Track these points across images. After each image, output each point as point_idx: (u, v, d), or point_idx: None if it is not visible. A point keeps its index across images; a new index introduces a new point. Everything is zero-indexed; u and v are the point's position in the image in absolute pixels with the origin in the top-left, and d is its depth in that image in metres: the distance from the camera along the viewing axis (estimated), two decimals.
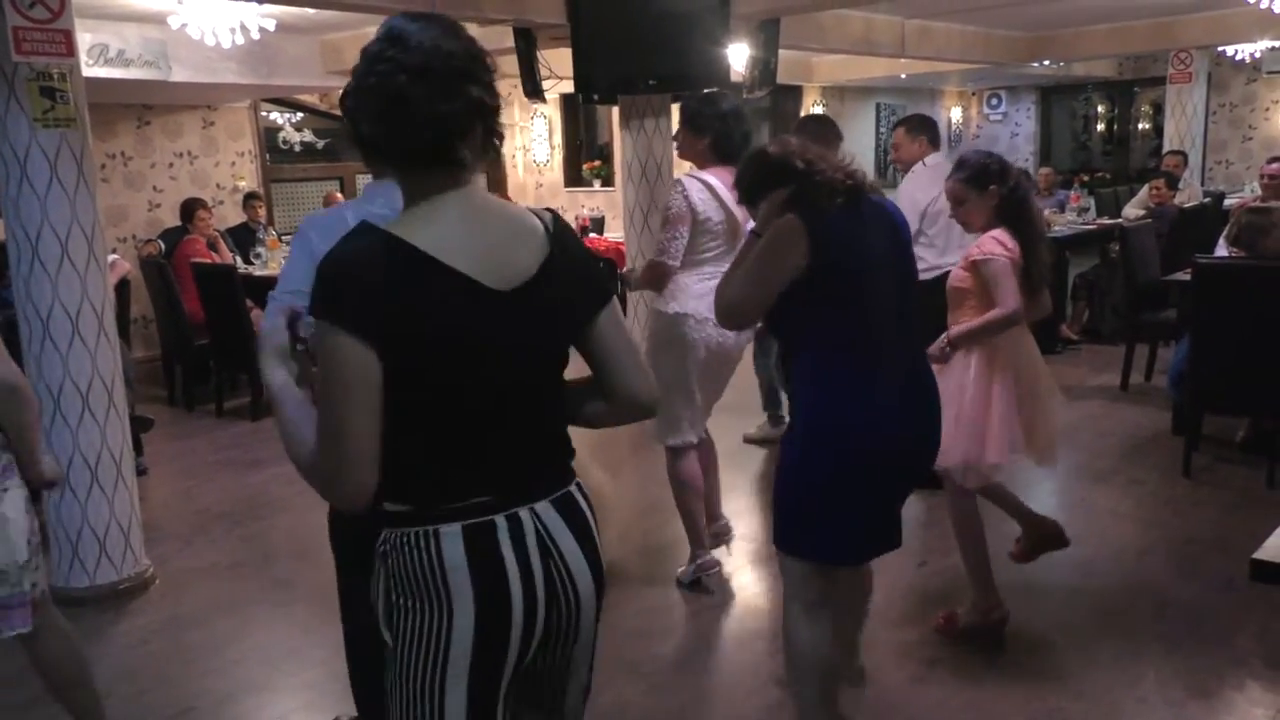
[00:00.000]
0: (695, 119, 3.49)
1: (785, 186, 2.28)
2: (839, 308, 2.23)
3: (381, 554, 1.48)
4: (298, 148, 9.95)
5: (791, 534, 2.34)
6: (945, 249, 4.32)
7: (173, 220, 7.81)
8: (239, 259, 7.53)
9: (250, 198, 8.28)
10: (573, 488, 1.56)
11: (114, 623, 3.61)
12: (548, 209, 1.59)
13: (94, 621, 3.58)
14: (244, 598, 3.78)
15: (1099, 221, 8.65)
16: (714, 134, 3.44)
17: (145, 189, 8.53)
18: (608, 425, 1.68)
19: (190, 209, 7.27)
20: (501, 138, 1.46)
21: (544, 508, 1.49)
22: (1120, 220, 7.92)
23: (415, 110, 1.35)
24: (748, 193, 2.45)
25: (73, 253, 3.62)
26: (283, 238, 8.06)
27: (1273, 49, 10.67)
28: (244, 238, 7.86)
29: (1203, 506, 4.28)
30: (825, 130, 4.13)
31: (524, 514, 1.47)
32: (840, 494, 2.25)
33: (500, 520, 1.44)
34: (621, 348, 1.56)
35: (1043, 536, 3.48)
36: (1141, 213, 7.85)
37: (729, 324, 2.54)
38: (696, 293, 3.36)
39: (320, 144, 10.12)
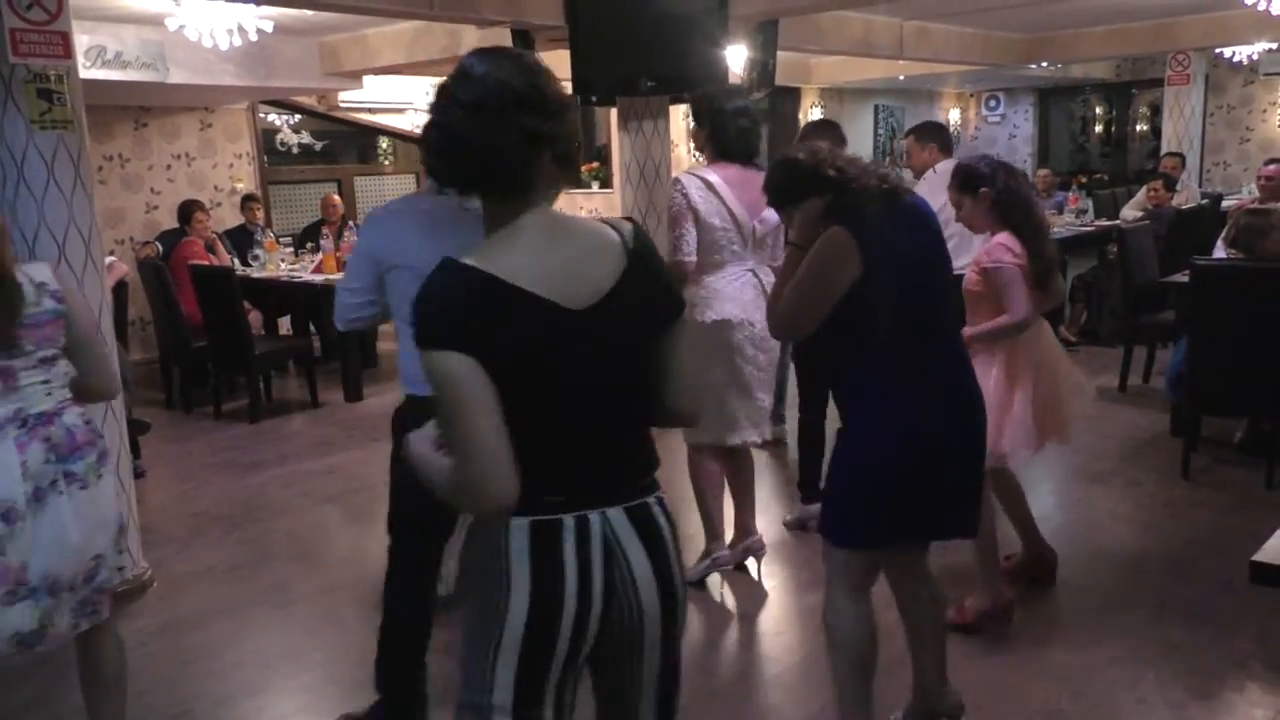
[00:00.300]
0: (695, 113, 3.59)
1: (819, 195, 2.31)
2: (887, 308, 2.26)
3: (469, 531, 1.60)
4: (296, 150, 9.96)
5: (835, 523, 2.41)
6: (959, 252, 4.35)
7: (170, 222, 7.80)
8: (237, 261, 7.53)
9: (248, 200, 8.27)
10: (651, 500, 1.60)
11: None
12: (628, 219, 1.64)
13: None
14: (242, 600, 3.77)
15: (1097, 223, 8.67)
16: (710, 129, 3.48)
17: (143, 191, 8.52)
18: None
19: (188, 211, 7.27)
20: (573, 162, 1.54)
21: (616, 514, 1.55)
22: (1118, 222, 7.93)
23: (469, 143, 1.47)
24: (777, 197, 2.48)
25: (70, 255, 3.61)
26: (280, 240, 8.06)
27: (1270, 51, 10.68)
28: (242, 240, 7.85)
29: (1201, 508, 4.28)
30: (830, 134, 4.15)
31: (594, 517, 1.53)
32: (886, 485, 2.30)
33: (568, 520, 1.51)
34: (679, 361, 1.62)
35: (1037, 562, 3.57)
36: (1139, 214, 7.86)
37: (783, 337, 2.58)
38: (728, 295, 3.42)
39: (318, 146, 10.12)
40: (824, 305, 2.28)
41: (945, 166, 4.58)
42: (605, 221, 1.59)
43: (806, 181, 2.34)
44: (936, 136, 4.79)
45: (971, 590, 3.25)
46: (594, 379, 1.51)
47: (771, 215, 3.50)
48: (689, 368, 1.65)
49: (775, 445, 5.11)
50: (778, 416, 5.34)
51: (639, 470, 1.61)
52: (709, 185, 3.38)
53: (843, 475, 2.39)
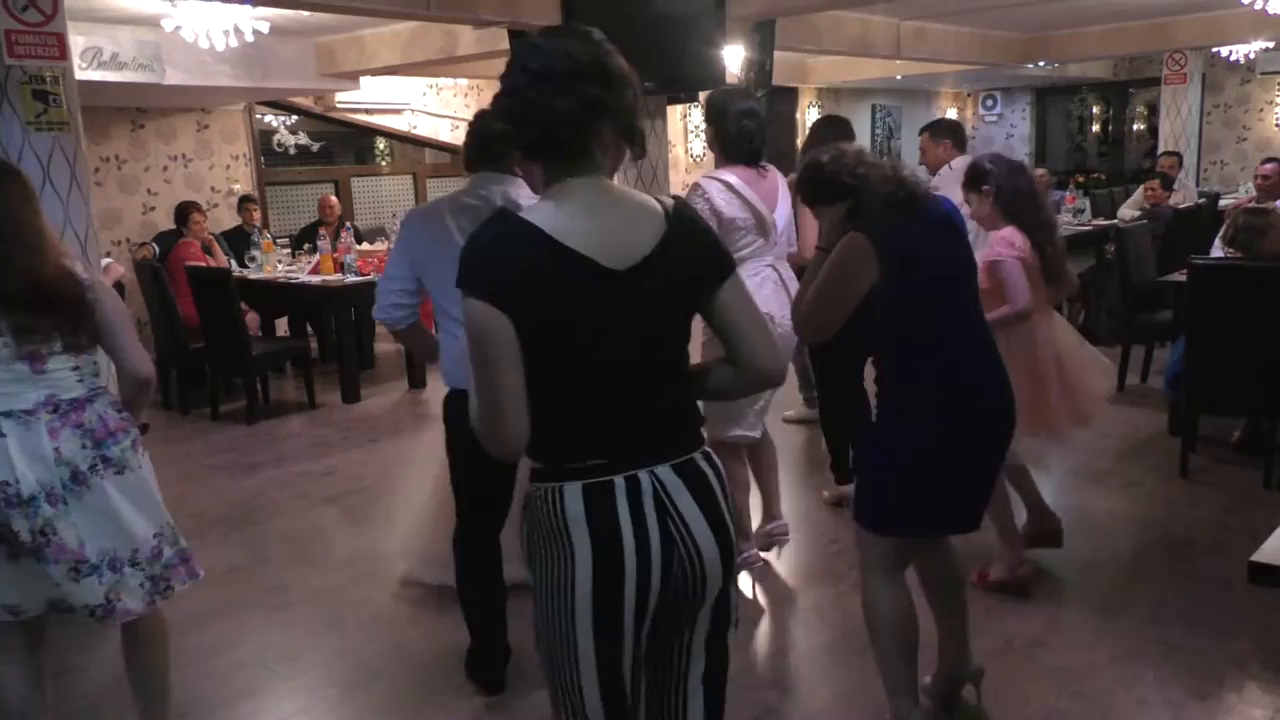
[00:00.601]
0: (705, 114, 3.67)
1: (842, 200, 2.40)
2: (910, 307, 2.35)
3: (525, 504, 1.65)
4: (292, 150, 9.94)
5: (874, 512, 2.48)
6: (976, 245, 4.42)
7: (167, 223, 7.79)
8: (234, 262, 7.52)
9: (245, 201, 8.25)
10: (698, 455, 1.66)
11: (108, 627, 3.58)
12: (675, 196, 1.74)
13: (88, 626, 3.56)
14: (239, 602, 3.76)
15: (1094, 223, 8.67)
16: (715, 129, 3.53)
17: (139, 192, 8.51)
18: (738, 395, 1.86)
19: (185, 212, 7.25)
20: (635, 136, 1.62)
21: (664, 471, 1.61)
22: (1116, 221, 7.94)
23: (533, 107, 1.54)
24: (805, 197, 2.58)
25: None
26: (277, 241, 8.05)
27: (1267, 49, 10.70)
28: (239, 241, 7.84)
29: (1199, 507, 4.28)
30: (839, 132, 4.27)
31: (643, 475, 1.59)
32: (919, 477, 2.40)
33: (619, 480, 1.58)
34: (745, 318, 1.67)
35: (1043, 531, 3.68)
36: (1137, 214, 7.87)
37: (808, 337, 2.68)
38: (750, 291, 3.45)
39: (315, 147, 10.11)
40: (845, 307, 2.38)
41: (960, 163, 4.63)
42: (655, 197, 1.67)
43: (827, 186, 2.44)
44: (951, 133, 4.86)
45: (990, 562, 3.47)
46: (631, 337, 1.57)
47: (782, 212, 3.53)
48: (759, 327, 1.70)
49: (812, 425, 5.26)
50: (812, 400, 5.40)
51: (682, 428, 1.67)
52: (729, 186, 3.41)
53: (876, 466, 2.49)
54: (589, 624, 1.57)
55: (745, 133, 3.47)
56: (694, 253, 1.63)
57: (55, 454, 2.26)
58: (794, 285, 3.49)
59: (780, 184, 3.58)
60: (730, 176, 3.42)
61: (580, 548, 1.56)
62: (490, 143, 2.77)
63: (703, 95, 4.44)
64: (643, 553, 1.57)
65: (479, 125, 2.89)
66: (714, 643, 1.75)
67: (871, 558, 2.53)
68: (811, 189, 2.51)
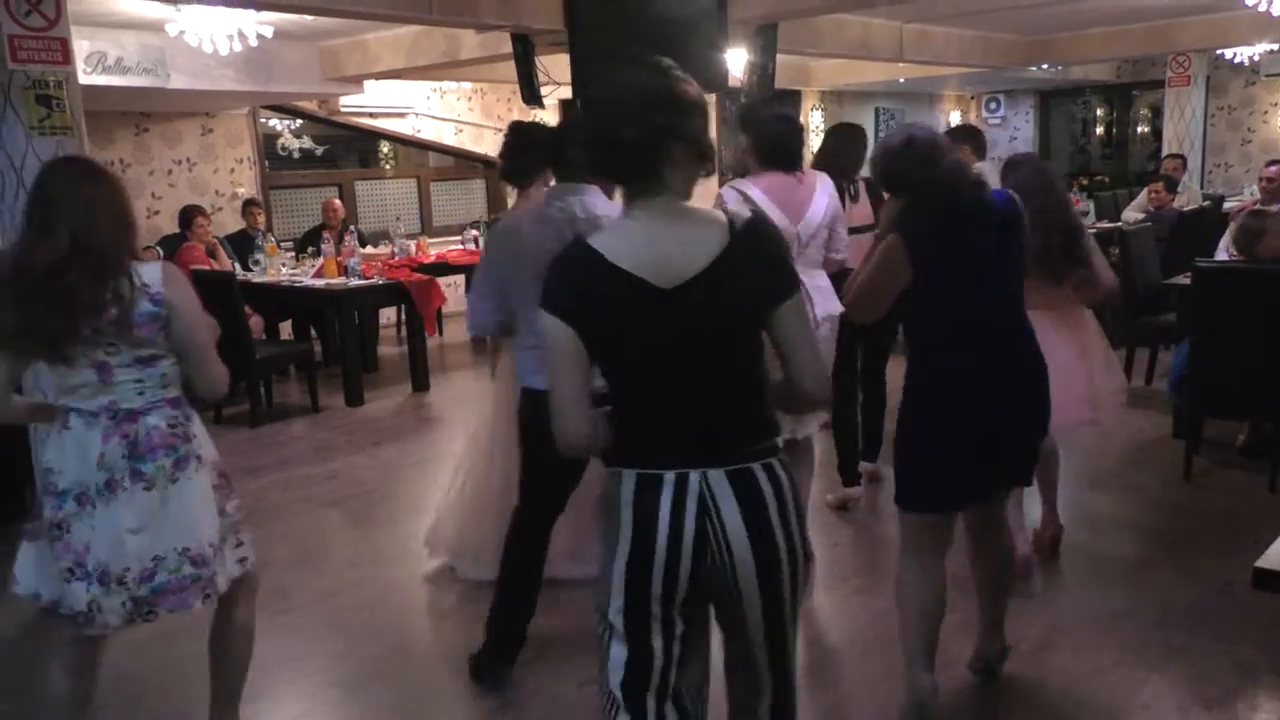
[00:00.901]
0: (738, 122, 3.82)
1: (905, 190, 2.57)
2: (934, 299, 2.55)
3: (607, 476, 1.82)
4: (297, 154, 9.96)
5: (899, 488, 2.68)
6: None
7: (171, 227, 7.81)
8: (238, 266, 7.53)
9: (249, 204, 8.27)
10: (757, 466, 1.75)
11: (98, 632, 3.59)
12: (753, 213, 1.83)
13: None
14: None
15: (1098, 225, 8.65)
16: (748, 138, 3.59)
17: (144, 196, 8.53)
18: (785, 409, 1.96)
19: (189, 216, 7.27)
20: (706, 155, 1.74)
21: (716, 475, 1.73)
22: (1120, 224, 7.92)
23: (602, 136, 1.72)
24: (875, 182, 2.82)
25: None
26: (281, 244, 8.06)
27: (1271, 52, 10.68)
28: (243, 245, 7.86)
29: (1204, 511, 4.27)
30: (854, 138, 4.38)
31: (693, 475, 1.73)
32: (930, 450, 2.57)
33: (669, 476, 1.73)
34: (793, 340, 1.75)
35: (1041, 536, 3.68)
36: (1141, 216, 7.85)
37: (857, 318, 2.83)
38: None
39: (319, 150, 10.12)
40: (883, 295, 2.60)
41: (979, 169, 4.61)
42: (727, 212, 1.78)
43: (888, 178, 2.64)
44: (969, 138, 4.86)
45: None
46: (682, 348, 1.71)
47: (814, 218, 3.52)
48: (809, 350, 1.77)
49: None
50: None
51: (743, 437, 1.76)
52: (746, 197, 3.41)
53: (898, 445, 2.67)
54: (621, 592, 1.76)
55: (780, 138, 3.49)
56: (753, 270, 1.71)
57: (99, 459, 2.29)
58: (821, 295, 3.49)
59: (819, 190, 3.58)
60: (751, 187, 3.43)
61: (625, 527, 1.74)
62: (565, 155, 2.96)
63: (711, 98, 4.46)
64: (674, 544, 1.72)
65: (533, 136, 3.19)
66: (773, 634, 1.85)
67: (903, 535, 2.71)
68: (878, 177, 2.70)
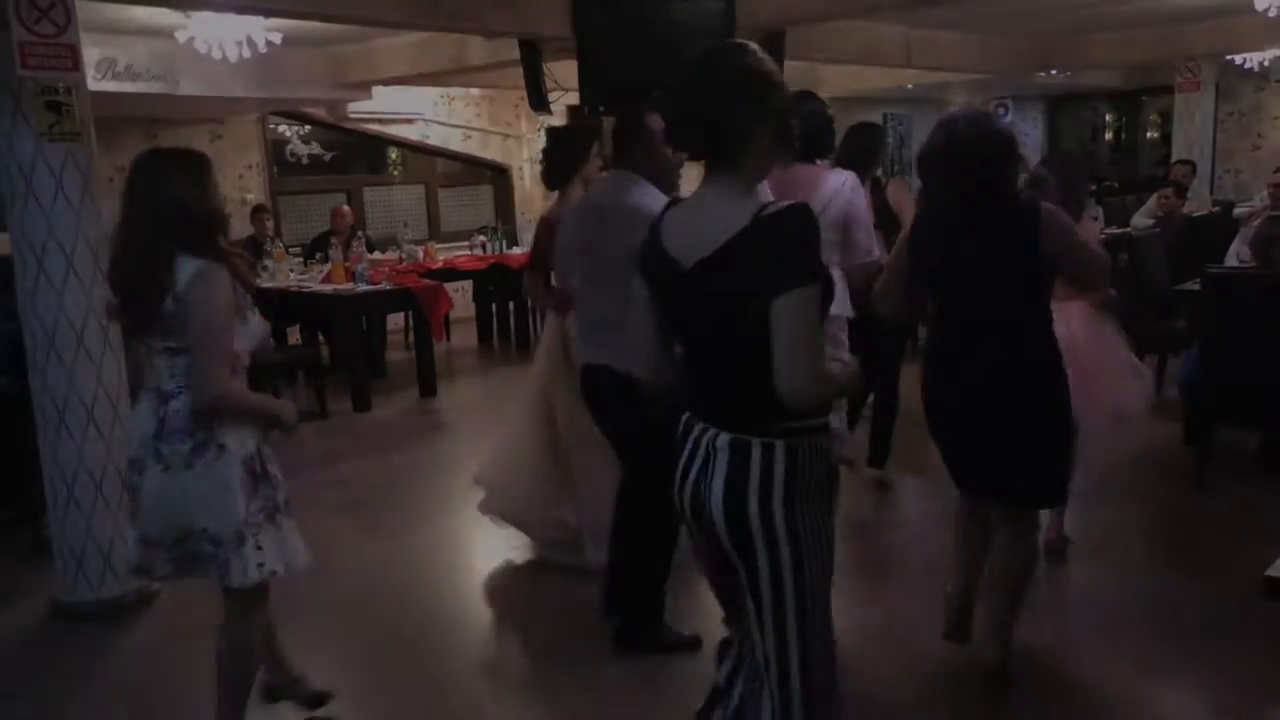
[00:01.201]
0: None
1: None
2: (934, 300, 2.82)
3: None
4: (305, 160, 9.98)
5: None
6: None
7: None
8: None
9: (258, 210, 8.29)
10: (755, 441, 1.82)
11: (118, 637, 3.60)
12: (789, 204, 1.79)
13: (98, 636, 3.58)
14: None
15: (1107, 231, 8.60)
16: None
17: None
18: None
19: None
20: (789, 137, 1.86)
21: (723, 438, 1.86)
22: (1129, 230, 7.89)
23: (687, 116, 1.82)
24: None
25: (78, 266, 3.63)
26: (289, 250, 8.08)
27: None
28: (251, 250, 7.86)
29: (1215, 518, 4.24)
30: (873, 136, 4.45)
31: (710, 432, 1.89)
32: (936, 437, 2.90)
33: (697, 426, 1.93)
34: (779, 337, 1.74)
35: (1043, 540, 3.70)
36: (1150, 222, 7.82)
37: (882, 313, 3.00)
38: None
39: (328, 156, 10.14)
40: (898, 283, 2.84)
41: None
42: (772, 202, 1.82)
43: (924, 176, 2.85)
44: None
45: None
46: (702, 321, 1.87)
47: (829, 213, 3.47)
48: (790, 351, 1.72)
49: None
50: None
51: (750, 410, 1.83)
52: None
53: None
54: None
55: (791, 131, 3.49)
56: (760, 261, 1.73)
57: (143, 434, 2.48)
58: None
59: (831, 187, 3.55)
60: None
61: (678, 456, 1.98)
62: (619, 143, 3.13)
63: None
64: (683, 478, 1.93)
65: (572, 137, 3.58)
66: (760, 608, 1.88)
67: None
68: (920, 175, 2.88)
